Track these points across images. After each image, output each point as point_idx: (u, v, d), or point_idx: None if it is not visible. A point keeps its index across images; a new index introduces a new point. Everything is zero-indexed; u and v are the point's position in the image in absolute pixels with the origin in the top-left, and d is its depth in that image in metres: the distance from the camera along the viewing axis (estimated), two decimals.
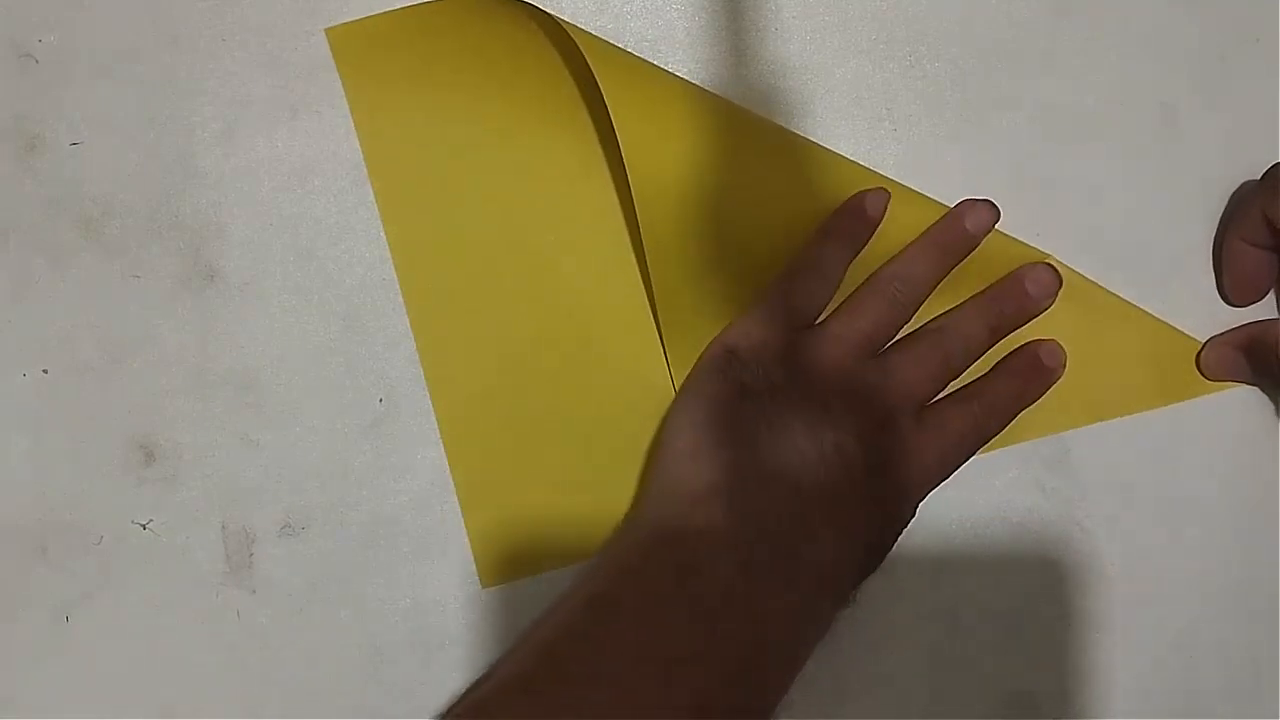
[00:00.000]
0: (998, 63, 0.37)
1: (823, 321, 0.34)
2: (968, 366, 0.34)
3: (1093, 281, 0.36)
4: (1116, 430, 0.36)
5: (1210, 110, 0.36)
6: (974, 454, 0.34)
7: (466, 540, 0.35)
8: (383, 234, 0.35)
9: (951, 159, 0.36)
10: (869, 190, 0.34)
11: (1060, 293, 0.35)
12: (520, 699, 0.27)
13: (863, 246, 0.34)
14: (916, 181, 0.36)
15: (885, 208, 0.34)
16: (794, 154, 0.36)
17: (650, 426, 0.35)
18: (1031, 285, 0.34)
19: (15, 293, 0.35)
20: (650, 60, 0.36)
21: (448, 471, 0.35)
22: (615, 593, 0.28)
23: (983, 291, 0.35)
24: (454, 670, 0.34)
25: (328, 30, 0.36)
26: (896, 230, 0.34)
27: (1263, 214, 0.34)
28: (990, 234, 0.34)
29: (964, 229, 0.34)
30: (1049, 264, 0.35)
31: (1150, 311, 0.36)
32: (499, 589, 0.35)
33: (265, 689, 0.34)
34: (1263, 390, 0.36)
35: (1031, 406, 0.35)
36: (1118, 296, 0.36)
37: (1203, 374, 0.36)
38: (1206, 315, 0.36)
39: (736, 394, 0.31)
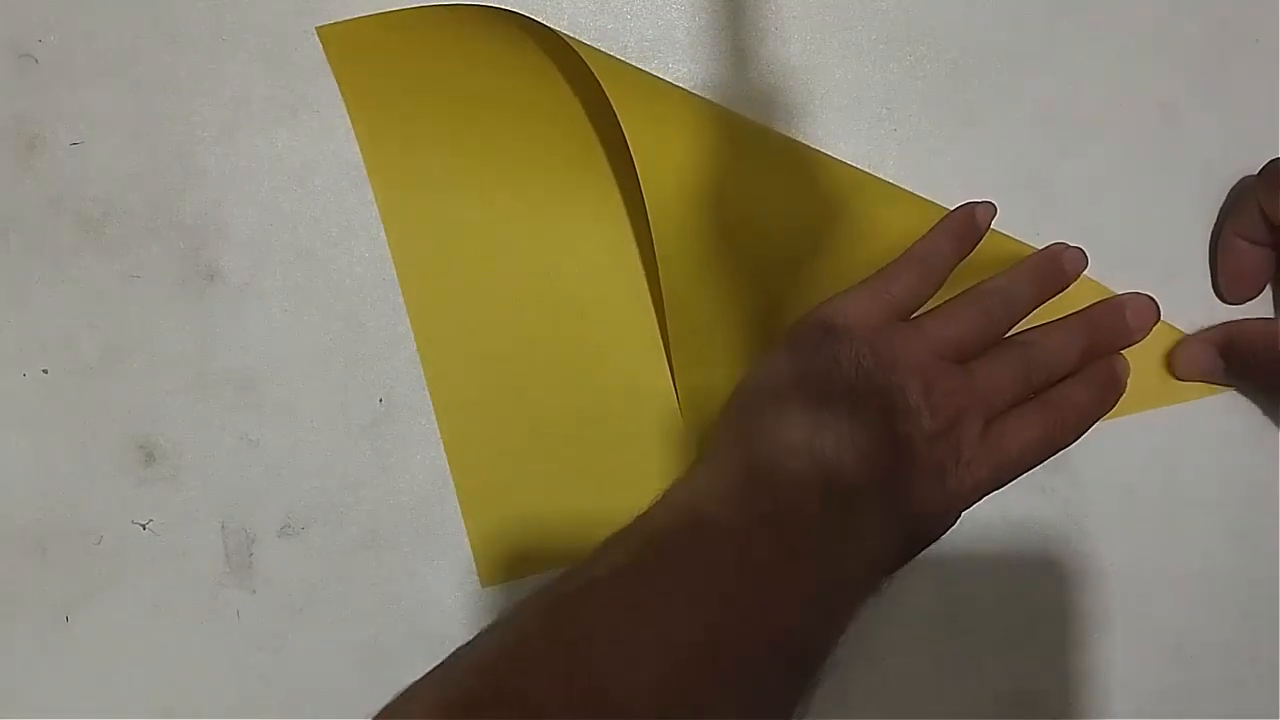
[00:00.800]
0: (998, 63, 0.37)
1: (918, 318, 0.34)
2: (1047, 383, 0.34)
3: (1093, 281, 0.36)
4: (1116, 430, 0.36)
5: (1210, 110, 0.36)
6: (1035, 466, 0.34)
7: (466, 540, 0.35)
8: (383, 234, 0.35)
9: (951, 159, 0.36)
10: (977, 202, 0.35)
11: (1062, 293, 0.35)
12: (615, 591, 0.27)
13: (967, 253, 0.34)
14: (916, 181, 0.36)
15: (992, 219, 0.34)
16: (800, 162, 0.36)
17: (649, 427, 0.35)
18: (1132, 316, 0.35)
19: (15, 293, 0.35)
20: (651, 61, 0.36)
21: (448, 471, 0.35)
22: (716, 511, 0.29)
23: (1080, 312, 0.35)
24: None
25: (319, 29, 0.36)
26: (897, 234, 0.34)
27: (1260, 209, 0.34)
28: (1009, 240, 0.35)
29: (1063, 269, 0.34)
30: (1150, 296, 0.35)
31: None
32: (499, 588, 0.35)
33: (265, 689, 0.34)
34: (1240, 392, 0.36)
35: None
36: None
37: (1172, 373, 0.36)
38: (1206, 315, 0.36)
39: (828, 366, 0.31)
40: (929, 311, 0.34)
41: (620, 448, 0.35)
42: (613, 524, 0.34)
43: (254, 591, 0.34)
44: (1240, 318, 0.36)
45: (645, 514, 0.29)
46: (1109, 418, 0.36)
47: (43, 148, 0.36)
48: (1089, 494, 0.36)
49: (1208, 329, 0.36)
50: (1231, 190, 0.36)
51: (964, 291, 0.34)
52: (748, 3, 0.37)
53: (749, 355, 0.35)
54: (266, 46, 0.36)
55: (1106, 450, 0.36)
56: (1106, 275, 0.36)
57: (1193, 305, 0.36)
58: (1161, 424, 0.36)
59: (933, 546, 0.35)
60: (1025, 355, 0.33)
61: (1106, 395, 0.34)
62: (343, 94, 0.36)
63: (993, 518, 0.35)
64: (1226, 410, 0.36)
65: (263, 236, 0.36)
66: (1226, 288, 0.36)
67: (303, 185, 0.36)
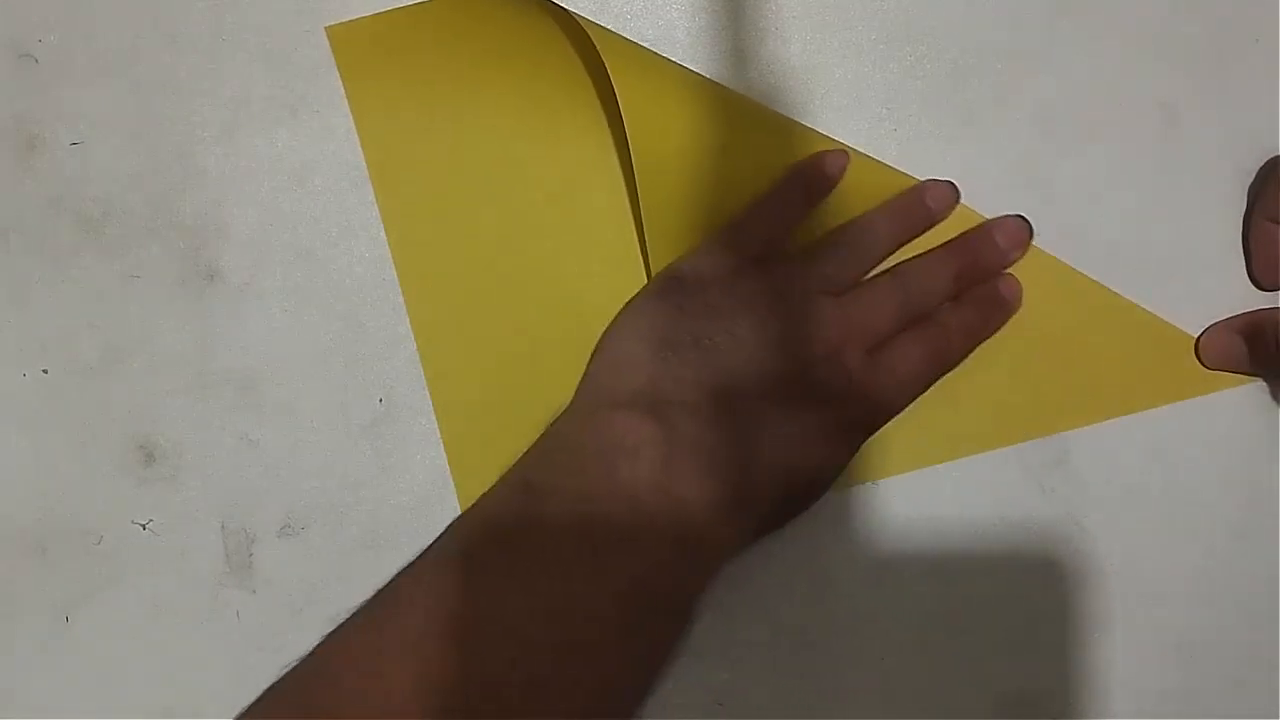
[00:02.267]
0: (998, 63, 0.37)
1: (782, 261, 0.34)
2: (927, 310, 0.34)
3: (1093, 280, 0.36)
4: (1116, 430, 0.36)
5: (1210, 110, 0.36)
6: (927, 388, 0.34)
7: None
8: (383, 234, 0.35)
9: (951, 159, 0.36)
10: (830, 150, 0.35)
11: (1059, 292, 0.35)
12: (464, 566, 0.27)
13: (817, 201, 0.34)
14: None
15: (844, 169, 0.34)
16: (798, 145, 0.36)
17: None
18: (1001, 236, 0.35)
19: (15, 293, 0.35)
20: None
21: (448, 471, 0.35)
22: (545, 478, 0.28)
23: (952, 240, 0.35)
24: None
25: (328, 28, 0.36)
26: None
27: None
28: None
29: (926, 204, 0.34)
30: (1021, 216, 0.35)
31: (1150, 310, 0.36)
32: None
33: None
34: (1265, 380, 0.36)
35: (1031, 406, 0.35)
36: (1117, 295, 0.36)
37: (1201, 361, 0.36)
38: (1207, 314, 0.36)
39: (672, 315, 0.31)
40: (794, 254, 0.34)
41: None
42: None
43: (254, 592, 0.34)
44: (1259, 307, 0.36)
45: (486, 494, 0.29)
46: (1109, 418, 0.36)
47: (43, 148, 0.36)
48: (1089, 494, 0.36)
49: (1232, 317, 0.36)
50: (1259, 172, 0.36)
51: (824, 235, 0.34)
52: (748, 3, 0.37)
53: None
54: (266, 47, 0.36)
55: (1106, 450, 0.36)
56: (1106, 275, 0.36)
57: (1194, 304, 0.36)
58: (1161, 424, 0.36)
59: (932, 546, 0.35)
60: (900, 283, 0.34)
61: (991, 314, 0.35)
62: (347, 94, 0.36)
63: (993, 518, 0.35)
64: (1226, 410, 0.36)
65: (263, 236, 0.36)
66: (1262, 275, 0.36)
67: (303, 185, 0.36)
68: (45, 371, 0.35)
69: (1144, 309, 0.36)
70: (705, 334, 0.30)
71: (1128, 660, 0.35)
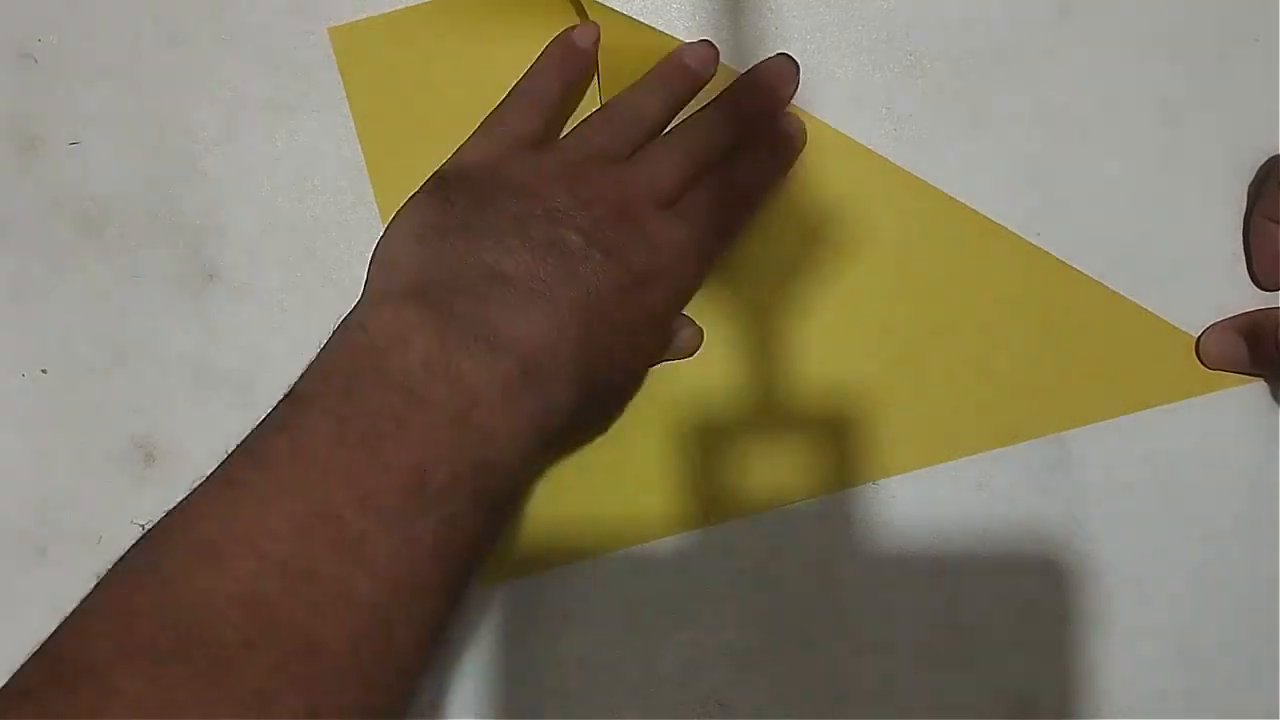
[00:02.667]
0: (998, 63, 0.37)
1: (549, 145, 0.33)
2: (713, 161, 0.34)
3: (1093, 280, 0.36)
4: (1116, 430, 0.36)
5: (1210, 109, 0.36)
6: (728, 239, 0.34)
7: None
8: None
9: (951, 159, 0.36)
10: (578, 25, 0.35)
11: (1060, 292, 0.35)
12: (224, 493, 0.25)
13: (574, 77, 0.34)
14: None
15: (595, 41, 0.34)
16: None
17: (650, 426, 0.35)
18: (769, 75, 0.35)
19: (15, 293, 0.35)
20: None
21: None
22: (308, 386, 0.27)
23: (723, 91, 0.35)
24: (454, 669, 0.34)
25: (330, 29, 0.36)
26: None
27: None
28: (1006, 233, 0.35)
29: (686, 65, 0.34)
30: (786, 55, 0.35)
31: (1150, 310, 0.36)
32: (498, 587, 0.35)
33: None
34: (1265, 380, 0.36)
35: (1031, 405, 0.35)
36: (1118, 295, 0.36)
37: (1202, 361, 0.36)
38: (1207, 314, 0.36)
39: (440, 207, 0.30)
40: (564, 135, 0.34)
41: (620, 447, 0.35)
42: (612, 524, 0.35)
43: None
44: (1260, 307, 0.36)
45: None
46: (1108, 418, 0.36)
47: (42, 148, 0.36)
48: (1089, 494, 0.36)
49: (1232, 316, 0.36)
50: (1257, 174, 0.36)
51: (593, 113, 0.34)
52: (748, 3, 0.37)
53: (745, 354, 0.35)
54: (266, 46, 0.36)
55: (1106, 450, 0.36)
56: (1107, 274, 0.36)
57: (1194, 304, 0.36)
58: (1161, 424, 0.36)
59: (932, 546, 0.35)
60: (679, 139, 0.33)
61: (776, 149, 0.35)
62: (348, 95, 0.36)
63: (993, 518, 0.35)
64: (1226, 410, 0.36)
65: (263, 237, 0.36)
66: (1263, 274, 0.35)
67: (303, 186, 0.36)
68: (45, 371, 0.35)
69: (1144, 309, 0.36)
70: (476, 219, 0.29)
71: (1128, 660, 0.35)
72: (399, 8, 0.36)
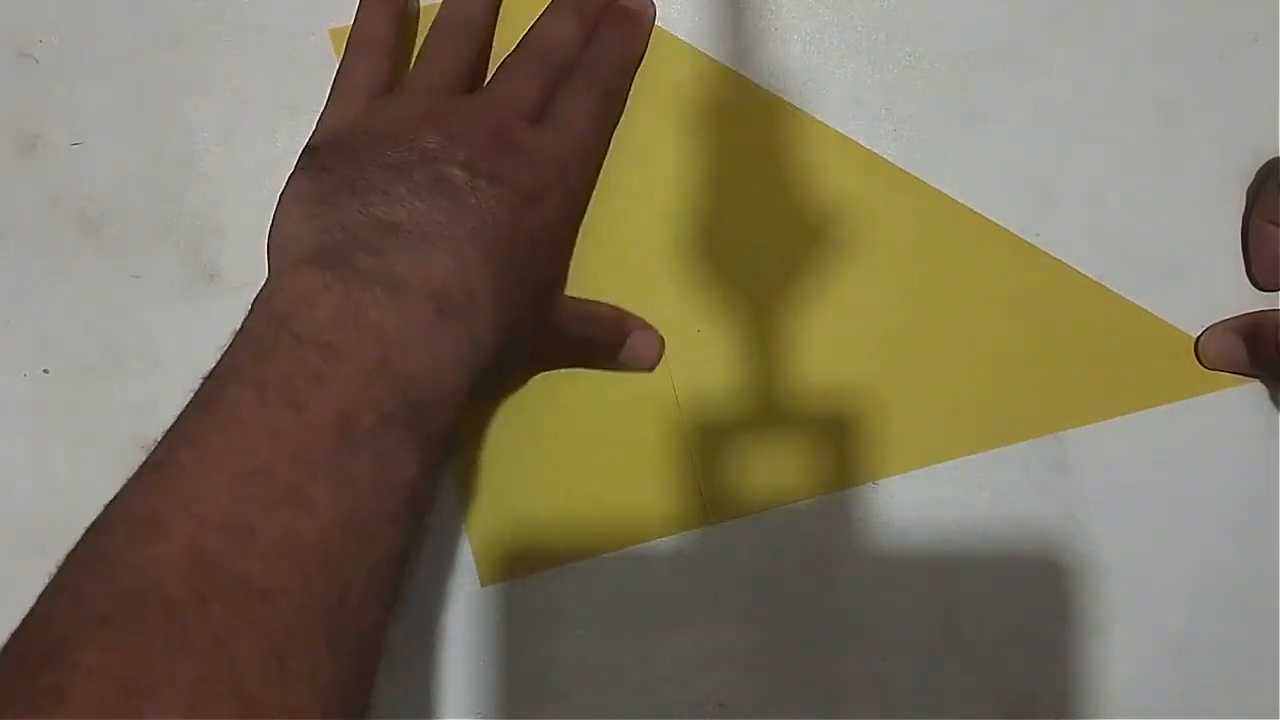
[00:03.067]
0: (998, 63, 0.37)
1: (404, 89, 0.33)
2: (569, 62, 0.34)
3: (1092, 280, 0.36)
4: (1116, 430, 0.36)
5: (1210, 110, 0.36)
6: (608, 129, 0.35)
7: (467, 540, 0.35)
8: None
9: (951, 159, 0.36)
10: None
11: (1059, 292, 0.35)
12: (155, 473, 0.25)
13: (399, 9, 0.34)
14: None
15: None
16: (794, 156, 0.36)
17: (649, 425, 0.35)
18: None
19: (15, 293, 0.35)
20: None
21: (447, 469, 0.35)
22: (224, 363, 0.27)
23: None
24: (454, 669, 0.34)
25: (332, 31, 0.36)
26: (898, 224, 0.35)
27: None
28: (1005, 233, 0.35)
29: None
30: None
31: (1150, 311, 0.36)
32: (498, 587, 0.35)
33: None
34: (1262, 382, 0.36)
35: (1031, 405, 0.35)
36: (1117, 295, 0.36)
37: (1200, 362, 0.36)
38: (1206, 314, 0.36)
39: (317, 177, 0.30)
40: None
41: (619, 447, 0.35)
42: (612, 524, 0.35)
43: None
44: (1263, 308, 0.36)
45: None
46: (1108, 418, 0.36)
47: (43, 148, 0.36)
48: (1089, 494, 0.36)
49: (1232, 317, 0.36)
50: (1256, 175, 0.36)
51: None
52: (748, 3, 0.37)
53: (745, 354, 0.35)
54: (266, 47, 0.36)
55: (1106, 450, 0.36)
56: (1106, 275, 0.36)
57: (1194, 304, 0.36)
58: (1161, 424, 0.36)
59: (932, 547, 0.35)
60: (529, 50, 0.33)
61: (626, 31, 0.35)
62: None
63: (993, 518, 0.35)
64: (1226, 410, 0.36)
65: (262, 237, 0.35)
66: (1262, 276, 0.35)
67: None
68: (46, 371, 0.35)
69: (1143, 309, 0.36)
70: (356, 178, 0.29)
71: (1128, 660, 0.35)
72: None
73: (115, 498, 0.25)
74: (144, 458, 0.25)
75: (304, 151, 0.32)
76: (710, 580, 0.35)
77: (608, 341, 0.34)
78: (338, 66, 0.34)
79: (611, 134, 0.35)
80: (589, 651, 0.35)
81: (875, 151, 0.36)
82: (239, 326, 0.28)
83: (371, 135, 0.31)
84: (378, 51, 0.34)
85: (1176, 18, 0.37)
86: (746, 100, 0.36)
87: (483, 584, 0.35)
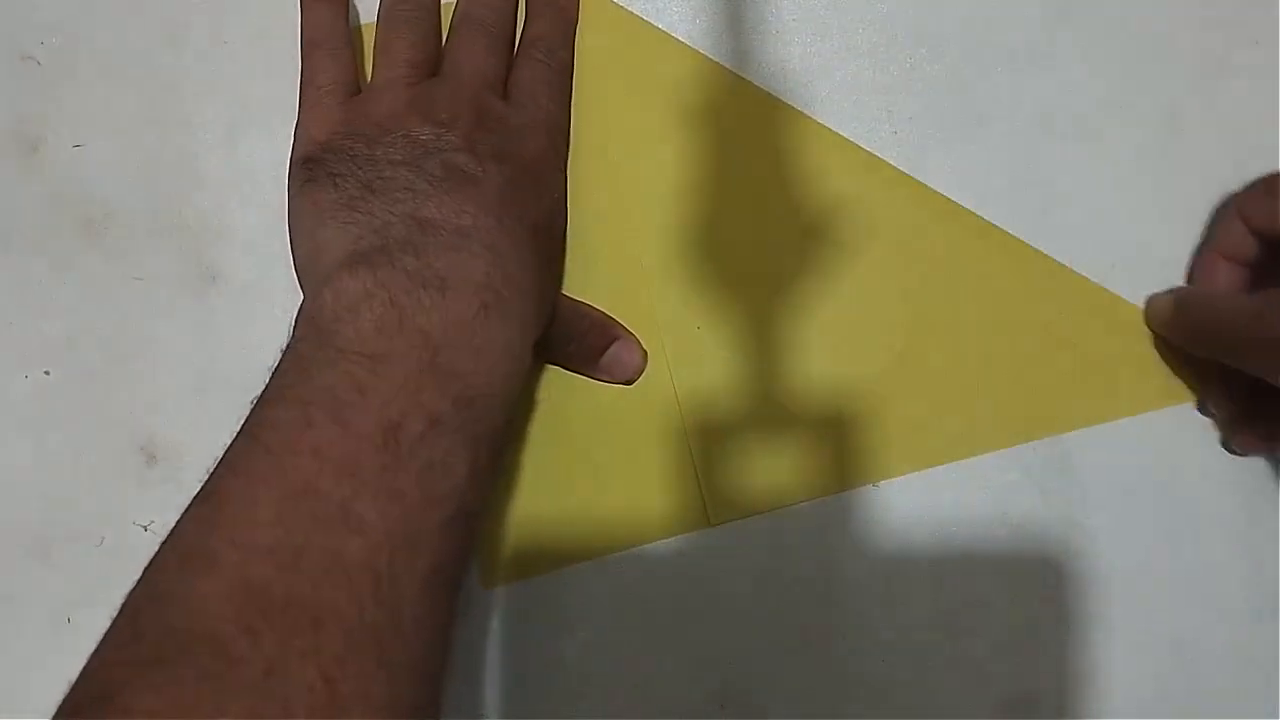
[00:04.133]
0: (998, 64, 0.37)
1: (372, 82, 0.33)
2: (511, 31, 0.34)
3: (1092, 283, 0.36)
4: (1116, 431, 0.36)
5: (1210, 112, 0.36)
6: (569, 97, 0.35)
7: None
8: None
9: (951, 160, 0.36)
10: None
11: (1059, 295, 0.35)
12: (203, 505, 0.25)
13: (344, 2, 0.35)
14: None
15: None
16: (789, 156, 0.36)
17: (650, 427, 0.35)
18: None
19: (17, 294, 0.35)
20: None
21: None
22: (270, 386, 0.27)
23: None
24: (456, 671, 0.34)
25: None
26: (896, 227, 0.34)
27: (1244, 223, 0.33)
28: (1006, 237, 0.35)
29: None
30: None
31: None
32: (500, 590, 0.35)
33: None
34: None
35: (1030, 408, 0.35)
36: (1117, 297, 0.36)
37: (1146, 320, 0.36)
38: None
39: (330, 187, 0.30)
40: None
41: (620, 449, 0.35)
42: (612, 524, 0.35)
43: None
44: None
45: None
46: (1108, 420, 0.36)
47: (45, 149, 0.36)
48: (1089, 494, 0.36)
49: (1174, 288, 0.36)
50: (1211, 216, 0.36)
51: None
52: (749, 5, 0.37)
53: (745, 354, 0.35)
54: (267, 48, 0.36)
55: (1106, 450, 0.36)
56: (1107, 277, 0.36)
57: None
58: (1161, 424, 0.36)
59: (932, 548, 0.35)
60: (471, 25, 0.34)
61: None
62: None
63: (993, 519, 0.35)
64: None
65: (264, 238, 0.36)
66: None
67: None
68: (47, 373, 0.35)
69: (1143, 310, 0.36)
70: (372, 178, 0.29)
71: (1128, 660, 0.35)
72: None
73: (169, 533, 0.25)
74: (196, 491, 0.25)
75: (299, 165, 0.32)
76: (711, 582, 0.35)
77: (593, 343, 0.34)
78: (300, 74, 0.34)
79: (570, 103, 0.35)
80: (590, 653, 0.35)
81: (875, 153, 0.36)
82: (285, 346, 0.28)
83: (364, 135, 0.31)
84: (337, 49, 0.34)
85: (1177, 19, 0.37)
86: (747, 102, 0.36)
87: (484, 587, 0.35)
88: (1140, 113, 0.37)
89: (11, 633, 0.34)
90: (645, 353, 0.35)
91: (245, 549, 0.23)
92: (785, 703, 0.34)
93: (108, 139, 0.36)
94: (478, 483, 0.27)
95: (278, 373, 0.27)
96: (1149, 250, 0.36)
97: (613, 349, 0.34)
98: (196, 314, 0.35)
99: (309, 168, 0.31)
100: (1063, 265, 0.36)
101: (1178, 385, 0.36)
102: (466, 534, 0.27)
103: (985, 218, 0.36)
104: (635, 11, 0.37)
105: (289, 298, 0.35)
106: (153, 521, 0.35)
